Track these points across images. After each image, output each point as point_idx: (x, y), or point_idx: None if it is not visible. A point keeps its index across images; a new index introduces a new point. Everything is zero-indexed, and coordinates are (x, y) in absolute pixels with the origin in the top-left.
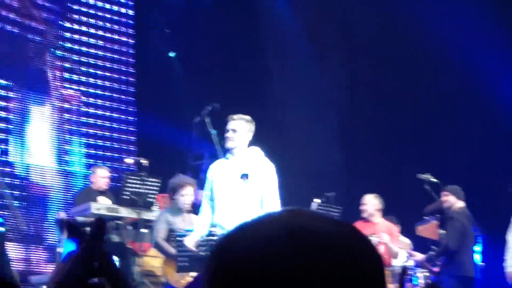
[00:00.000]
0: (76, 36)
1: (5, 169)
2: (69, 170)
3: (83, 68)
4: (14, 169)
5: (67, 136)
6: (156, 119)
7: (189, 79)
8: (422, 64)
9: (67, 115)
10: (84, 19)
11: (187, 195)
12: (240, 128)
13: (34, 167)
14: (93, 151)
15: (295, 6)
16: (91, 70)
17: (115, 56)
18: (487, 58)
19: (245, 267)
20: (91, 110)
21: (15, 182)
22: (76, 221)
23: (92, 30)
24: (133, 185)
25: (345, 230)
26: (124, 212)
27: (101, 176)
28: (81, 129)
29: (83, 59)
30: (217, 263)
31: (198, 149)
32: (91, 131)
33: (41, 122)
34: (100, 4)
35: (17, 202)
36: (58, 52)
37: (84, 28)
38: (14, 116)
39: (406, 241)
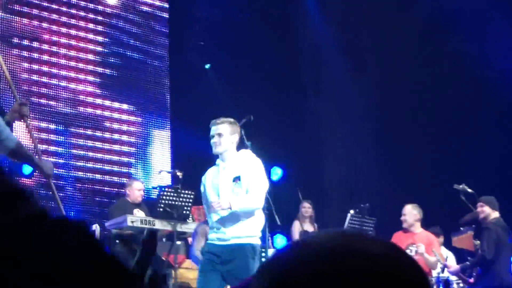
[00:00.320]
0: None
1: None
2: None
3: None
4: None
5: None
6: (190, 130)
7: (224, 91)
8: (459, 74)
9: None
10: (124, 36)
11: None
12: (225, 131)
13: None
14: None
15: (331, 19)
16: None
17: (151, 69)
18: None
19: (286, 286)
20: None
21: None
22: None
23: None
24: (168, 198)
25: (392, 252)
26: (159, 224)
27: (137, 189)
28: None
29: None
30: (263, 283)
31: None
32: (132, 142)
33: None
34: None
35: None
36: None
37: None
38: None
39: (444, 253)
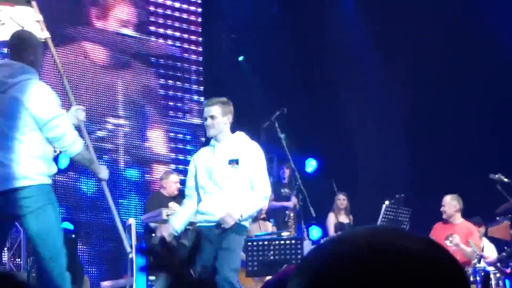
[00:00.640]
0: (153, 45)
1: None
2: None
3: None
4: None
5: None
6: None
7: (257, 84)
8: (490, 65)
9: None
10: (161, 30)
11: None
12: (217, 112)
13: None
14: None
15: (362, 12)
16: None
17: (185, 64)
18: None
19: (328, 284)
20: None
21: None
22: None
23: (161, 40)
24: None
25: (428, 247)
26: (194, 217)
27: (174, 181)
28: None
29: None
30: (303, 279)
31: (266, 154)
32: (171, 134)
33: None
34: (169, 12)
35: None
36: None
37: (159, 39)
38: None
39: (486, 244)
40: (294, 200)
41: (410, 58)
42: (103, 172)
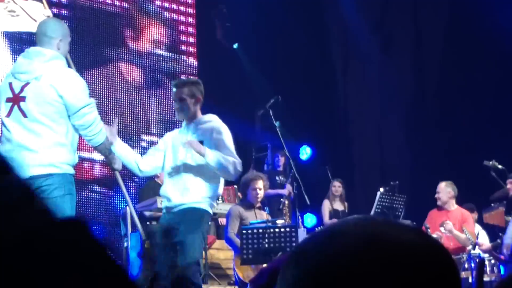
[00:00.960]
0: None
1: None
2: None
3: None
4: None
5: None
6: (218, 111)
7: (252, 72)
8: (489, 50)
9: None
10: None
11: (259, 188)
12: (186, 94)
13: None
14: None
15: None
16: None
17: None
18: None
19: (322, 276)
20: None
21: None
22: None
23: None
24: None
25: (418, 238)
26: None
27: None
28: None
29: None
30: (296, 271)
31: (261, 141)
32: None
33: None
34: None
35: None
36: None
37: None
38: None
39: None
40: (289, 187)
41: (409, 43)
42: (118, 163)
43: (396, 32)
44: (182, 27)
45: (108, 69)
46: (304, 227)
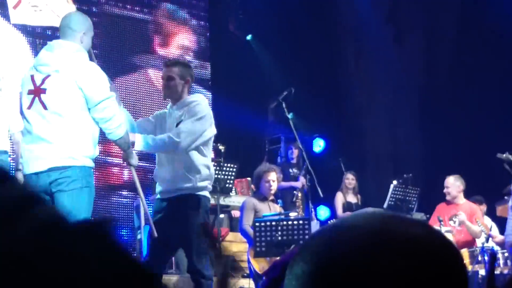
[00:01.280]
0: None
1: None
2: None
3: (161, 53)
4: None
5: None
6: (232, 104)
7: (265, 64)
8: (503, 43)
9: None
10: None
11: (272, 180)
12: (176, 74)
13: None
14: None
15: None
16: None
17: (192, 38)
18: None
19: (332, 270)
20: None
21: None
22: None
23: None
24: None
25: (427, 232)
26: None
27: None
28: None
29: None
30: (307, 265)
31: (274, 134)
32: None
33: None
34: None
35: None
36: None
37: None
38: None
39: (487, 222)
40: (302, 180)
41: (421, 34)
42: (135, 159)
43: (408, 23)
44: (194, 22)
45: (137, 76)
46: (317, 219)
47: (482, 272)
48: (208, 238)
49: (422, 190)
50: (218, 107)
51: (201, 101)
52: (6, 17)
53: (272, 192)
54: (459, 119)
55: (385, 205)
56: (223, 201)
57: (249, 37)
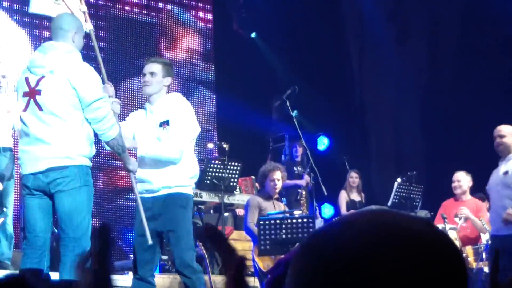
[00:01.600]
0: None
1: None
2: None
3: (167, 55)
4: None
5: None
6: (236, 102)
7: (268, 62)
8: (507, 42)
9: None
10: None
11: (277, 179)
12: (158, 70)
13: None
14: None
15: None
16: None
17: (197, 41)
18: None
19: (334, 266)
20: None
21: None
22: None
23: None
24: (215, 170)
25: (428, 228)
26: (207, 196)
27: None
28: None
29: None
30: (311, 261)
31: (278, 132)
32: None
33: None
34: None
35: None
36: None
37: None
38: None
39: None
40: (306, 178)
41: (424, 32)
42: (132, 164)
43: (411, 21)
44: (201, 24)
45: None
46: (322, 217)
47: (486, 269)
48: (215, 240)
49: (426, 187)
50: (222, 105)
51: (182, 100)
52: (9, 14)
53: (277, 190)
54: (462, 117)
55: (389, 203)
56: (228, 199)
57: (253, 34)
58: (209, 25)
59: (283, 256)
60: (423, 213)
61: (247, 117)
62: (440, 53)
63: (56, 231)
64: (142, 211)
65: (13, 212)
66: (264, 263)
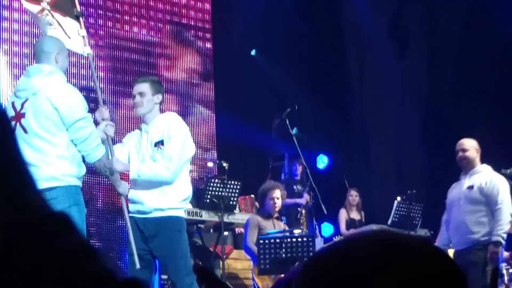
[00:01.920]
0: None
1: None
2: None
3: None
4: None
5: None
6: (235, 121)
7: (268, 80)
8: (506, 57)
9: None
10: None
11: (276, 198)
12: (147, 90)
13: None
14: None
15: (376, 2)
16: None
17: (197, 60)
18: None
19: (334, 283)
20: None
21: None
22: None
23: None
24: (215, 188)
25: (426, 245)
26: (206, 215)
27: None
28: None
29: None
30: (308, 281)
31: (278, 150)
32: None
33: None
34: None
35: None
36: None
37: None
38: None
39: None
40: (306, 197)
41: (424, 48)
42: (122, 187)
43: (411, 37)
44: (200, 44)
45: None
46: (321, 236)
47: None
48: (207, 280)
49: (426, 206)
50: (221, 124)
51: (179, 119)
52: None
53: (277, 209)
54: (464, 134)
55: (389, 222)
56: (227, 218)
57: (253, 52)
58: (208, 45)
59: (282, 275)
60: (423, 232)
61: (246, 135)
62: (440, 67)
63: None
64: (130, 234)
65: None
66: (264, 283)
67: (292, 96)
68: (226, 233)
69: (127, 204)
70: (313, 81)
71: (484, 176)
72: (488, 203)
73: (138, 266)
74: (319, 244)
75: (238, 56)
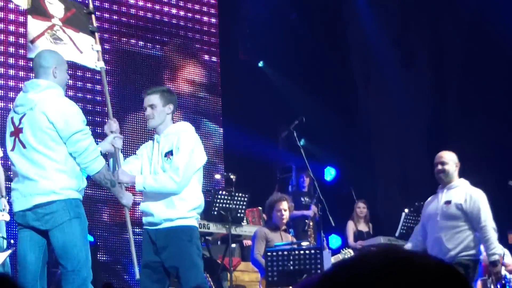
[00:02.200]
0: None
1: None
2: None
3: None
4: None
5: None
6: (243, 133)
7: (274, 92)
8: (510, 69)
9: None
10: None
11: (284, 210)
12: (157, 101)
13: None
14: None
15: (379, 14)
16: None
17: (203, 73)
18: None
19: None
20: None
21: None
22: None
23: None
24: (222, 201)
25: (437, 263)
26: (214, 227)
27: None
28: None
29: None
30: None
31: (285, 162)
32: None
33: None
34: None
35: None
36: None
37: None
38: None
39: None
40: (314, 208)
41: (429, 58)
42: (126, 198)
43: (416, 47)
44: (207, 57)
45: None
46: (329, 248)
47: None
48: None
49: None
50: (229, 136)
51: (189, 129)
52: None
53: (284, 221)
54: (469, 144)
55: (396, 234)
56: (235, 230)
57: (260, 64)
58: (214, 58)
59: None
60: None
61: (254, 147)
62: (445, 78)
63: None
64: (132, 244)
65: None
66: None
67: (299, 108)
68: (233, 245)
69: (134, 216)
70: (320, 93)
71: (461, 191)
72: (469, 220)
73: (138, 276)
74: (327, 256)
75: (245, 68)
